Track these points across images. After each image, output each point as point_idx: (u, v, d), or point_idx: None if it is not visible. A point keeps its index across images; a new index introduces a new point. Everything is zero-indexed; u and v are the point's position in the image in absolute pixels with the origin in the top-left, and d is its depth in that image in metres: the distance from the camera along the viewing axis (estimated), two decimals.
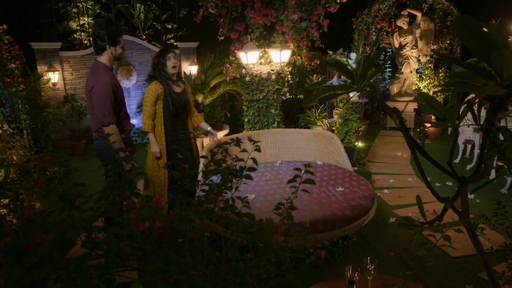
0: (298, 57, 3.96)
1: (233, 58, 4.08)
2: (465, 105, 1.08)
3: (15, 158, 3.32)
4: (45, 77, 6.21)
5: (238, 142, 1.35)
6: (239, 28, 3.76)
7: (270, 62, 3.98)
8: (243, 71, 4.06)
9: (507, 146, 1.08)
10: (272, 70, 4.01)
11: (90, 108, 2.63)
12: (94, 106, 2.55)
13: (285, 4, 3.41)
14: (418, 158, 1.11)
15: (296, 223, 2.31)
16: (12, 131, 4.72)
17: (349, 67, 1.18)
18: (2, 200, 1.54)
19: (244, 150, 1.43)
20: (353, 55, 1.26)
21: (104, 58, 2.62)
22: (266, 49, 3.91)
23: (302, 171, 1.39)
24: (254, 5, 3.46)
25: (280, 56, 3.77)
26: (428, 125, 6.80)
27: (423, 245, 2.24)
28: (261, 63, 3.99)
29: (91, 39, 2.67)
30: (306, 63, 4.17)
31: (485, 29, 0.84)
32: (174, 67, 2.92)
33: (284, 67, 4.03)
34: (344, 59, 4.68)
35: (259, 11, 3.44)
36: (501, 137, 1.03)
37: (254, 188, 2.98)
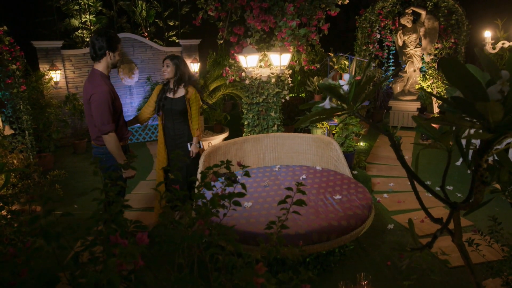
0: (297, 62, 3.92)
1: (233, 61, 4.06)
2: None
3: (15, 162, 3.35)
4: (47, 76, 6.22)
5: (228, 165, 1.35)
6: (239, 31, 3.73)
7: (270, 65, 3.95)
8: (243, 74, 4.04)
9: (501, 169, 1.07)
10: (272, 73, 3.98)
11: (89, 117, 2.63)
12: (93, 114, 2.56)
13: (284, 10, 3.37)
14: (418, 161, 1.09)
15: (291, 234, 2.31)
16: (14, 131, 4.75)
17: (341, 91, 1.17)
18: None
19: (234, 176, 1.42)
20: (346, 76, 1.24)
21: (101, 66, 2.61)
22: (266, 52, 3.88)
23: (294, 191, 1.39)
24: (253, 11, 3.42)
25: (280, 60, 3.74)
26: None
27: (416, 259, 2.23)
28: (261, 66, 3.96)
29: (89, 39, 2.69)
30: (306, 67, 4.13)
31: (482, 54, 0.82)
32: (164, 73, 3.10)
33: (284, 70, 4.00)
34: (346, 62, 4.62)
35: (257, 17, 3.40)
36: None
37: (251, 195, 2.98)
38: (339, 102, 1.12)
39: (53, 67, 6.42)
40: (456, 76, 0.80)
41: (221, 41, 3.78)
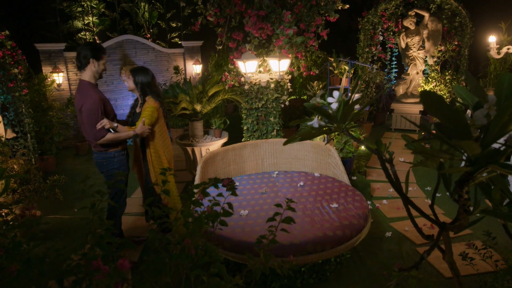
0: (296, 68, 3.91)
1: (232, 66, 4.06)
2: None
3: (16, 167, 3.38)
4: (50, 79, 6.26)
5: (216, 183, 1.35)
6: (237, 37, 3.73)
7: (269, 70, 3.95)
8: (242, 79, 4.04)
9: (493, 187, 1.06)
10: (271, 78, 3.98)
11: (83, 125, 2.71)
12: (84, 123, 2.65)
13: (282, 17, 3.35)
14: (408, 180, 1.09)
15: (286, 244, 2.31)
16: (16, 135, 4.79)
17: (329, 111, 1.17)
18: None
19: (233, 183, 1.42)
20: (335, 94, 1.24)
21: (87, 75, 2.67)
22: (265, 58, 3.87)
23: (283, 207, 1.39)
24: (250, 18, 3.41)
25: (279, 65, 3.73)
26: None
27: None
28: (260, 71, 3.96)
29: (78, 51, 2.74)
30: (305, 73, 4.12)
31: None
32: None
33: (284, 75, 3.99)
34: (347, 67, 4.55)
35: (255, 24, 3.39)
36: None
37: (248, 202, 2.98)
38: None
39: (55, 70, 6.46)
40: (436, 110, 0.80)
41: (220, 47, 3.78)
